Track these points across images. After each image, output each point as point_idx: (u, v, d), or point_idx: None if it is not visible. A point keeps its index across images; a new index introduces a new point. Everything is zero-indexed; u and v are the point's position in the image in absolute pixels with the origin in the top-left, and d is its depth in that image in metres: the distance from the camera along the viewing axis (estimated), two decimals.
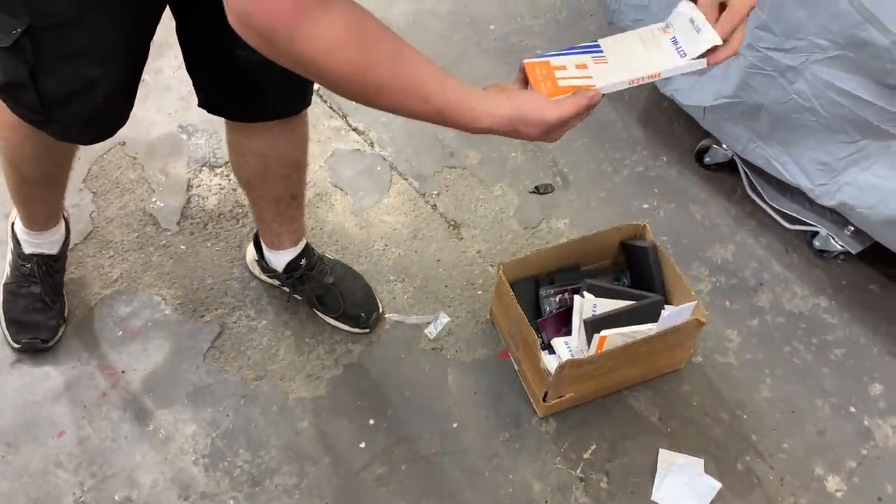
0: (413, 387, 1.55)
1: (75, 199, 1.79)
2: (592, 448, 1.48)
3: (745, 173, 1.84)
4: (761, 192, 1.81)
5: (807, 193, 1.63)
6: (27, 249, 1.54)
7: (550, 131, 0.87)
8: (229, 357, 1.58)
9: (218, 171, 1.87)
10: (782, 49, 1.48)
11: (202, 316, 1.63)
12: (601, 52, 0.96)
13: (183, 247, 1.73)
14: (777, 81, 1.53)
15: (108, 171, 1.85)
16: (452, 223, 1.82)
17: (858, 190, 1.51)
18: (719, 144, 1.87)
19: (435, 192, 1.88)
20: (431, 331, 1.62)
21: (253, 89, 1.19)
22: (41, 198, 1.47)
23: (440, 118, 0.84)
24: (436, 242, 1.78)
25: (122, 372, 1.54)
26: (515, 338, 1.52)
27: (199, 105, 1.26)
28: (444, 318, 1.63)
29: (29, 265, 1.53)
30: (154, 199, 1.80)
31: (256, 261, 1.63)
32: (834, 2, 1.35)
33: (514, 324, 1.49)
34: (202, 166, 1.88)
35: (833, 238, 1.71)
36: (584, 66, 0.94)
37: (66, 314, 1.59)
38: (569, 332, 1.50)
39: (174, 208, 1.80)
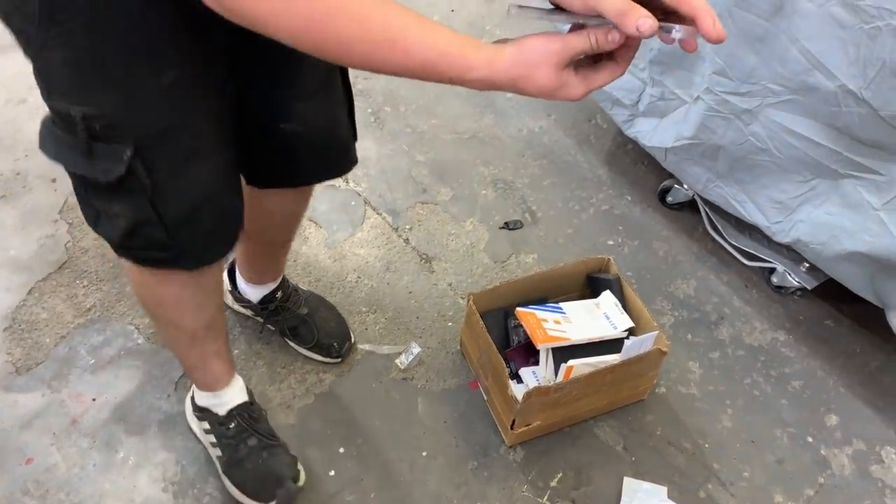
0: (383, 416, 1.57)
1: (50, 229, 1.81)
2: (559, 476, 1.51)
3: (706, 212, 1.91)
4: (721, 230, 1.88)
5: (763, 231, 1.70)
6: (222, 411, 1.41)
7: (560, 69, 0.70)
8: None
9: None
10: (738, 93, 1.57)
11: None
12: (565, 313, 1.54)
13: None
14: (734, 124, 1.61)
15: None
16: (424, 256, 1.86)
17: (811, 227, 1.59)
18: (681, 184, 1.95)
19: (408, 227, 1.93)
20: (402, 361, 1.65)
21: (295, 159, 1.17)
22: (215, 351, 1.35)
23: (426, 72, 0.71)
24: (408, 275, 1.82)
25: (93, 399, 1.55)
26: (485, 367, 1.55)
27: (248, 182, 1.21)
28: (415, 349, 1.66)
29: (232, 424, 1.41)
30: None
31: (230, 291, 1.65)
32: (784, 49, 1.43)
33: (484, 353, 1.52)
34: None
35: (790, 274, 1.79)
36: (559, 322, 1.50)
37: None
38: (536, 363, 1.54)
39: None
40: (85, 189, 0.97)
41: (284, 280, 1.62)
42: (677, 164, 1.83)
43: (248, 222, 1.38)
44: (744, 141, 1.60)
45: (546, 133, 2.24)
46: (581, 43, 0.68)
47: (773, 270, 1.83)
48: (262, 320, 1.64)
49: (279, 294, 1.59)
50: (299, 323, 1.61)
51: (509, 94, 2.34)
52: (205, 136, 0.97)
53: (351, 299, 1.76)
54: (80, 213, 1.84)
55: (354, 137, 1.23)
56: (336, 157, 1.23)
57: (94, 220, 1.01)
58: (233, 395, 1.41)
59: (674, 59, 1.70)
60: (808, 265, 1.75)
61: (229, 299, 1.68)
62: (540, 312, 1.52)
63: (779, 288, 1.82)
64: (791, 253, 1.75)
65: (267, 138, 1.13)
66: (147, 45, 0.85)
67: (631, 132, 1.91)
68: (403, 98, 2.28)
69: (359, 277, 1.81)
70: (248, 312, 1.67)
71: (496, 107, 2.29)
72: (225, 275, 1.66)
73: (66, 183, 1.91)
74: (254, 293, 1.59)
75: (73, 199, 1.88)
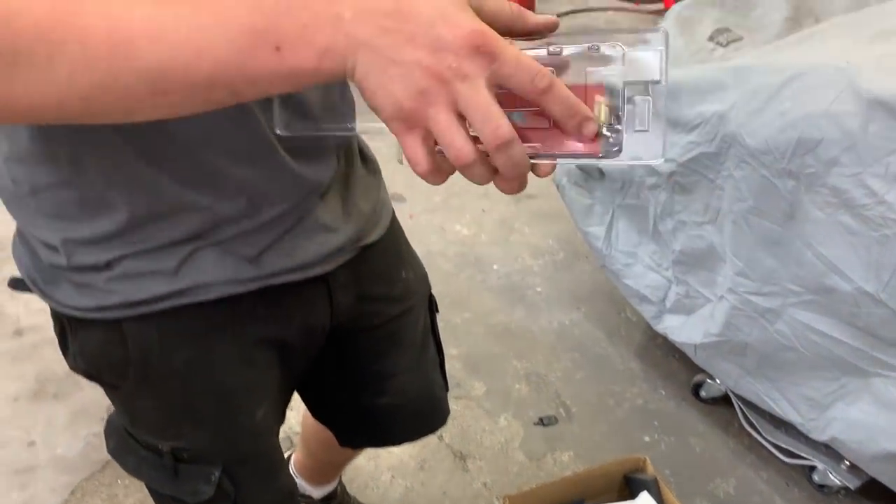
0: None
1: (97, 427, 1.87)
2: None
3: (740, 407, 1.91)
4: (757, 425, 1.87)
5: (799, 428, 1.69)
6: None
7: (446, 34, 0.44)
8: None
9: None
10: (760, 293, 1.62)
11: None
12: None
13: None
14: (759, 322, 1.65)
15: None
16: (459, 454, 1.87)
17: (847, 425, 1.58)
18: (713, 379, 1.97)
19: None
20: None
21: (392, 425, 1.14)
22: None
23: (244, 66, 0.47)
24: (442, 474, 1.82)
25: None
26: None
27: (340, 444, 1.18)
28: None
29: None
30: None
31: None
32: (800, 253, 1.50)
33: None
34: None
35: (831, 473, 1.75)
36: None
37: None
38: None
39: None
40: (162, 499, 0.94)
41: (340, 481, 1.62)
42: (707, 360, 1.86)
43: (318, 447, 1.39)
44: (770, 339, 1.64)
45: (577, 326, 2.30)
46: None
47: (814, 468, 1.79)
48: None
49: (339, 489, 1.59)
50: None
51: (539, 287, 2.43)
52: (274, 427, 0.97)
53: (386, 500, 1.76)
54: None
55: (446, 388, 1.17)
56: (432, 417, 1.17)
57: None
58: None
59: (696, 260, 1.78)
60: (848, 463, 1.72)
61: None
62: None
63: (821, 486, 1.78)
64: (830, 450, 1.73)
65: (361, 412, 1.10)
66: (243, 390, 0.87)
67: (660, 328, 1.96)
68: (437, 293, 2.38)
69: (393, 477, 1.81)
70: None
71: (527, 300, 2.38)
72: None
73: None
74: (316, 491, 1.58)
75: None
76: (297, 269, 0.82)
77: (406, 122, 0.47)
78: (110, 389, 0.85)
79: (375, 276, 0.96)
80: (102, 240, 0.73)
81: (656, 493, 1.57)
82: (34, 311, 2.26)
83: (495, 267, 2.50)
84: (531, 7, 4.28)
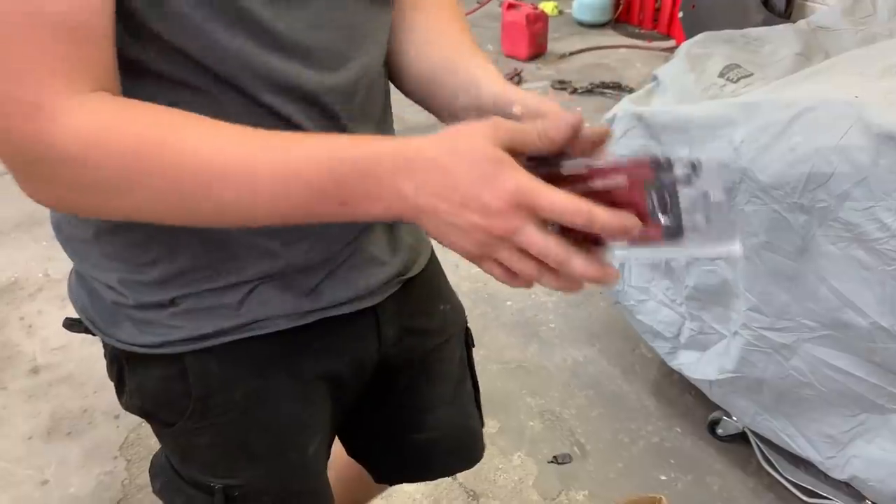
0: None
1: (110, 465, 1.87)
2: None
3: (758, 445, 1.88)
4: (775, 464, 1.84)
5: (818, 466, 1.66)
6: None
7: (494, 144, 0.56)
8: None
9: None
10: (774, 328, 1.61)
11: None
12: None
13: None
14: (774, 358, 1.63)
15: (144, 438, 1.94)
16: (472, 493, 1.85)
17: (867, 463, 1.55)
18: (730, 416, 1.94)
19: None
20: None
21: (430, 461, 1.14)
22: None
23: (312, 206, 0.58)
24: None
25: None
26: None
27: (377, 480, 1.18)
28: None
29: None
30: None
31: None
32: (814, 288, 1.49)
33: None
34: None
35: None
36: None
37: None
38: None
39: None
40: None
41: None
42: (723, 397, 1.83)
43: (338, 485, 1.37)
44: (786, 375, 1.62)
45: (591, 363, 2.28)
46: (519, 129, 0.58)
47: None
48: None
49: None
50: None
51: (553, 324, 2.43)
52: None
53: None
54: (139, 449, 1.92)
55: (482, 423, 1.18)
56: (469, 451, 1.17)
57: None
58: None
59: (709, 296, 1.77)
60: (870, 502, 1.68)
61: None
62: None
63: None
64: (851, 489, 1.69)
65: (398, 448, 1.10)
66: (298, 424, 0.87)
67: (674, 364, 1.94)
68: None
69: None
70: None
71: (540, 337, 2.36)
72: None
73: (128, 419, 2.01)
74: None
75: (134, 436, 1.96)
76: (352, 301, 0.84)
77: (477, 259, 0.59)
78: (165, 427, 0.85)
79: (416, 309, 0.98)
80: (168, 280, 0.75)
81: None
82: (50, 351, 2.27)
83: (509, 303, 2.49)
84: (543, 48, 4.32)
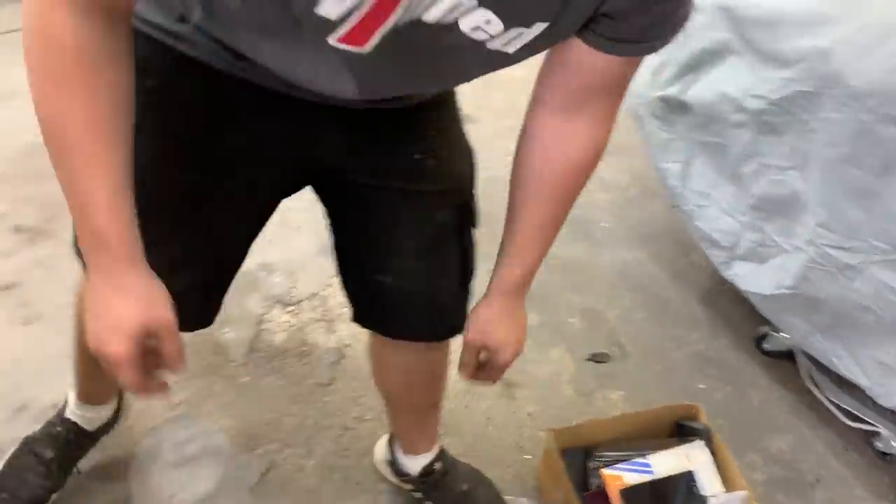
0: None
1: None
2: None
3: (806, 364, 1.83)
4: (820, 384, 1.79)
5: (866, 392, 1.61)
6: (66, 413, 1.47)
7: (127, 333, 0.82)
8: (273, 493, 1.60)
9: (290, 309, 1.97)
10: (842, 247, 1.52)
11: (254, 449, 1.67)
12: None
13: (246, 378, 1.81)
14: (836, 278, 1.56)
15: None
16: (506, 381, 1.85)
17: None
18: (779, 332, 1.88)
19: None
20: None
21: (394, 311, 1.16)
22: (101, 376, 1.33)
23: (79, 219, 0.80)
24: (487, 400, 1.81)
25: (170, 497, 1.58)
26: None
27: (352, 319, 1.23)
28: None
29: (59, 428, 1.46)
30: (225, 330, 1.90)
31: (388, 462, 1.58)
32: (891, 208, 1.39)
33: (561, 494, 1.47)
34: (275, 303, 1.99)
35: (895, 440, 1.67)
36: None
37: (56, 491, 1.45)
38: None
39: (243, 340, 1.89)
40: None
41: (443, 451, 1.54)
42: (775, 313, 1.77)
43: (384, 379, 1.39)
44: (847, 297, 1.54)
45: (641, 265, 2.23)
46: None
47: (876, 434, 1.71)
48: (421, 495, 1.56)
49: (438, 465, 1.51)
50: (461, 500, 1.51)
51: (605, 223, 2.36)
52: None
53: None
54: None
55: (463, 308, 1.17)
56: (434, 323, 1.18)
57: None
58: (82, 413, 1.46)
59: (776, 207, 1.68)
60: None
61: (387, 471, 1.60)
62: (628, 475, 1.44)
63: (884, 454, 1.70)
64: None
65: (370, 287, 1.14)
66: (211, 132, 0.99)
67: (728, 274, 1.87)
68: (497, 217, 2.32)
69: None
70: (407, 486, 1.57)
71: (591, 235, 2.30)
72: (382, 443, 1.62)
73: None
74: (412, 464, 1.51)
75: None
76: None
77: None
78: None
79: (378, 138, 1.03)
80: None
81: (708, 443, 1.52)
82: None
83: None
84: None
